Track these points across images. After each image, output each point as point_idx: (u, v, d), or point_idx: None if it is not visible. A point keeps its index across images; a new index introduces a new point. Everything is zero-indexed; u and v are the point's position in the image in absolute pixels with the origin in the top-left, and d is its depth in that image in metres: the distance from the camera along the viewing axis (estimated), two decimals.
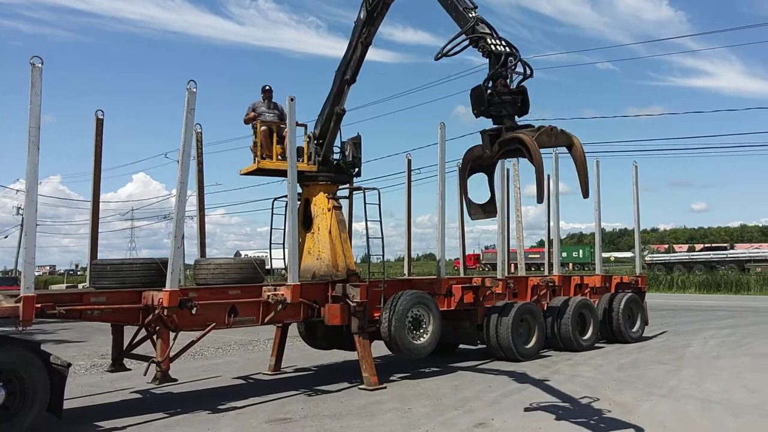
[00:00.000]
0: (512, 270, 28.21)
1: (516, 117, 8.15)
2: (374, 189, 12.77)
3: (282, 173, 12.15)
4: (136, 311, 9.55)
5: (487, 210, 8.73)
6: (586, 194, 7.82)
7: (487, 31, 8.78)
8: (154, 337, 9.72)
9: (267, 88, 13.30)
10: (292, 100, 11.14)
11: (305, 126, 12.86)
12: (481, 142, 8.21)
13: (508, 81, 8.27)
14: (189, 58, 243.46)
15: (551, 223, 18.11)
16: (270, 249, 12.87)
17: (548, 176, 17.67)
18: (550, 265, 17.77)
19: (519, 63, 8.31)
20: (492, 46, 8.47)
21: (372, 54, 13.02)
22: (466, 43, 8.89)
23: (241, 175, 13.00)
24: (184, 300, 9.45)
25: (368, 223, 12.38)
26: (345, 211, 13.40)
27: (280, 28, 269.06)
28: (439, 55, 9.06)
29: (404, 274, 16.83)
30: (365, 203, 12.60)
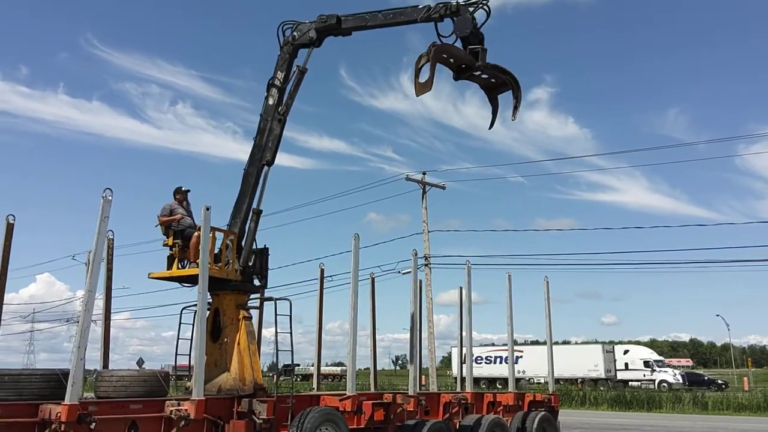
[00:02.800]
0: (423, 383, 28.53)
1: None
2: (286, 299, 13.15)
3: (216, 281, 12.54)
4: (32, 426, 9.48)
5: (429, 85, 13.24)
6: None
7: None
8: None
9: (184, 189, 13.64)
10: (207, 209, 11.54)
11: (234, 233, 13.30)
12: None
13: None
14: (104, 159, 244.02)
15: (464, 334, 18.45)
16: (176, 359, 12.96)
17: (460, 287, 18.29)
18: (463, 380, 18.16)
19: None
20: (456, 5, 13.35)
21: (286, 159, 13.95)
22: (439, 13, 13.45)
23: (154, 278, 13.19)
24: (83, 415, 9.46)
25: (278, 334, 12.71)
26: (255, 321, 13.65)
27: (198, 132, 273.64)
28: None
29: (313, 388, 16.99)
30: (276, 314, 12.94)
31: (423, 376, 33.45)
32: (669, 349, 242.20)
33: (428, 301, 36.01)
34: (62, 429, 9.23)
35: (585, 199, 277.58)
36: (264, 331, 15.77)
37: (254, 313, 13.87)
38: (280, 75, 14.10)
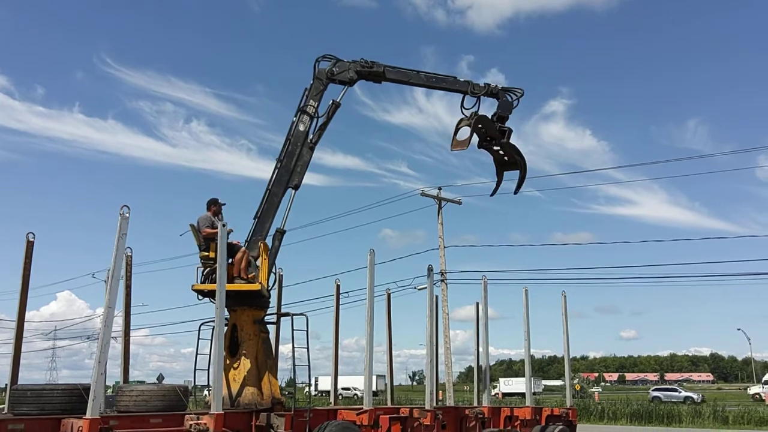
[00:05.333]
0: (440, 398, 28.48)
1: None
2: (302, 315, 13.31)
3: (235, 297, 12.77)
4: None
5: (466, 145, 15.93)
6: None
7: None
8: None
9: (221, 202, 13.82)
10: (224, 225, 11.73)
11: (268, 248, 13.59)
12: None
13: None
14: (120, 178, 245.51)
15: (480, 349, 18.45)
16: (194, 375, 13.08)
17: (477, 303, 18.36)
18: (480, 395, 18.15)
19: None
20: (497, 87, 16.04)
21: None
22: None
23: (197, 291, 13.18)
24: (104, 429, 9.60)
25: (295, 349, 12.85)
26: (272, 336, 13.80)
27: (212, 150, 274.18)
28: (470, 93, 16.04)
29: (330, 403, 17.08)
30: (293, 329, 13.09)
31: (440, 392, 33.37)
32: (689, 364, 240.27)
33: (444, 316, 36.04)
34: None
35: (603, 212, 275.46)
36: (281, 347, 15.91)
37: (271, 329, 14.03)
38: (314, 103, 14.64)
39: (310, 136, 14.54)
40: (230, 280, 12.98)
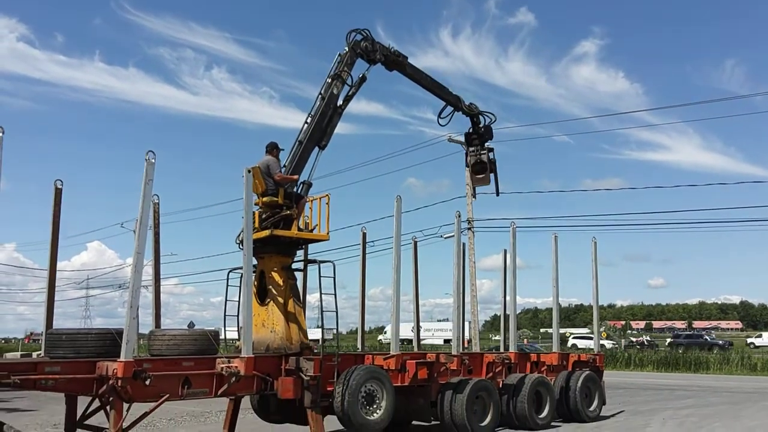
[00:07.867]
0: (466, 345, 28.73)
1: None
2: (329, 262, 13.46)
3: (262, 243, 12.94)
4: (90, 381, 9.97)
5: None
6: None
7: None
8: (108, 407, 10.10)
9: (282, 149, 14.03)
10: (249, 171, 11.84)
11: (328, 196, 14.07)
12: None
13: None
14: (143, 127, 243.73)
15: (508, 298, 18.44)
16: (224, 321, 13.32)
17: (505, 250, 18.43)
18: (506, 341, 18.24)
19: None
20: (477, 108, 18.05)
21: None
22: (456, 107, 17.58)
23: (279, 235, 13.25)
24: (138, 371, 9.91)
25: (322, 296, 13.02)
26: (299, 283, 13.96)
27: (234, 98, 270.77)
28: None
29: (358, 348, 17.28)
30: (320, 276, 13.24)
31: (467, 340, 33.63)
32: (718, 312, 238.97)
33: (471, 265, 36.11)
34: (119, 385, 9.66)
35: (634, 158, 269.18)
36: (308, 297, 16.08)
37: (298, 276, 14.17)
38: (348, 70, 15.00)
39: (340, 102, 14.91)
40: (298, 228, 13.48)
